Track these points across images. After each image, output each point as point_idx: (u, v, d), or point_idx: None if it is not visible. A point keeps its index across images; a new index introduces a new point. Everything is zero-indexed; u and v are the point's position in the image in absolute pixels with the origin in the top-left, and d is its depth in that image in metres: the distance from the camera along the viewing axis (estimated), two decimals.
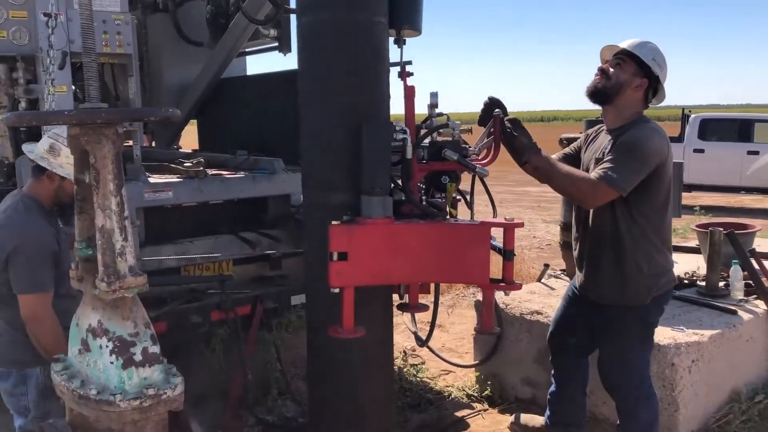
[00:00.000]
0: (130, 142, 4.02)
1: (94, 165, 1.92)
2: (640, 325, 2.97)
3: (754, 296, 4.14)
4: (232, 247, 4.08)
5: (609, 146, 2.88)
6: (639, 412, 3.01)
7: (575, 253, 3.16)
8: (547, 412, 3.45)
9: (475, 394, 4.22)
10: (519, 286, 2.58)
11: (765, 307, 4.00)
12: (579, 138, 3.30)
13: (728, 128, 13.08)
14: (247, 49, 5.43)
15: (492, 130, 2.90)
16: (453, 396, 4.25)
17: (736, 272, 4.12)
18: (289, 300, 4.14)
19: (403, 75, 2.84)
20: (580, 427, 3.39)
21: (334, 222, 2.47)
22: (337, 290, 2.50)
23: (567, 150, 3.31)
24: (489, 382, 4.18)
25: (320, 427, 2.94)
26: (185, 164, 4.13)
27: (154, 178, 3.89)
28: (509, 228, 2.56)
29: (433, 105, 2.90)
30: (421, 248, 2.56)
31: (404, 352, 4.93)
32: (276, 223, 4.34)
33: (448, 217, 2.71)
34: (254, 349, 4.01)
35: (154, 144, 6.03)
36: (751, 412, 3.63)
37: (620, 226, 2.89)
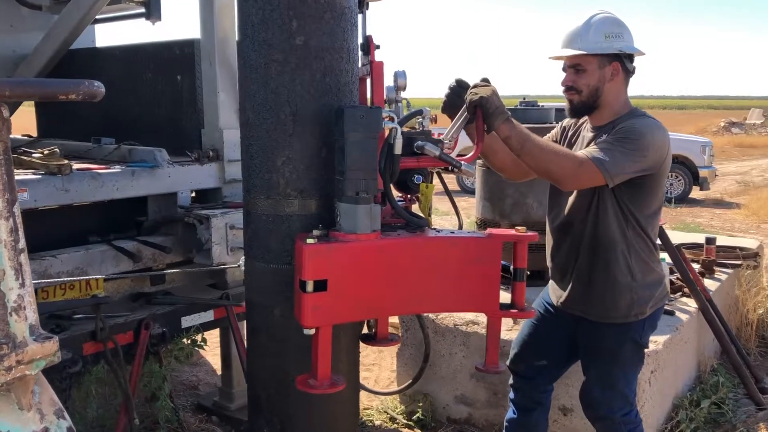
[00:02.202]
0: None
1: None
2: (633, 345, 2.60)
3: (680, 293, 4.01)
4: (107, 260, 3.23)
5: (600, 140, 2.48)
6: None
7: (550, 263, 2.73)
8: None
9: (401, 417, 3.72)
10: (533, 312, 2.10)
11: (695, 306, 3.86)
12: (552, 131, 2.86)
13: None
14: (103, 16, 4.46)
15: (465, 116, 2.40)
16: (374, 422, 3.72)
17: (664, 269, 3.94)
18: (180, 322, 3.39)
19: (371, 47, 2.24)
20: None
21: (308, 240, 1.83)
22: (312, 331, 1.87)
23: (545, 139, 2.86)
24: (420, 403, 3.69)
25: None
26: (34, 155, 3.21)
27: None
28: (522, 241, 2.06)
29: (400, 87, 2.34)
30: (418, 270, 1.99)
31: None
32: (159, 229, 3.53)
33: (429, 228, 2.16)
34: (139, 385, 3.23)
35: None
36: (698, 419, 3.46)
37: (613, 229, 2.50)
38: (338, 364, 2.03)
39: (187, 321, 3.40)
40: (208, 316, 3.51)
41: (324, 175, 2.03)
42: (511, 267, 2.08)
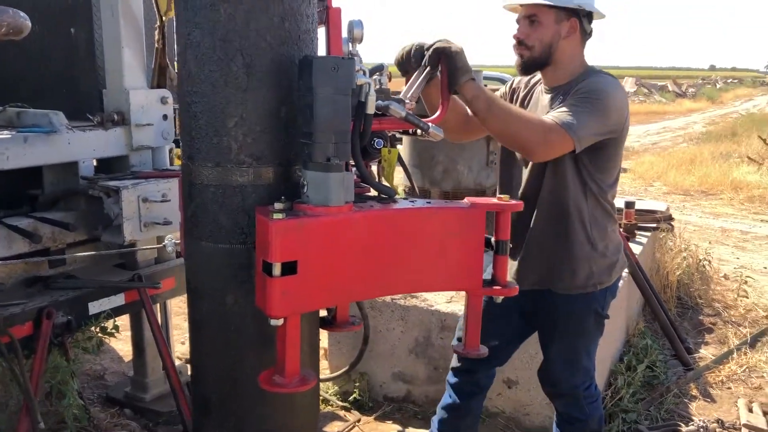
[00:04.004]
0: None
1: None
2: (595, 316, 2.49)
3: None
4: None
5: (560, 102, 2.31)
6: (589, 420, 2.57)
7: None
8: (437, 427, 2.78)
9: (335, 399, 3.50)
10: (516, 289, 1.91)
11: (625, 270, 3.86)
12: (498, 91, 2.66)
13: None
14: None
15: (426, 72, 2.18)
16: None
17: None
18: (87, 308, 2.99)
19: None
20: None
21: (275, 215, 1.55)
22: (279, 322, 1.60)
23: None
24: (356, 383, 3.48)
25: None
26: None
27: None
28: (505, 210, 1.86)
29: (356, 39, 2.06)
30: (395, 246, 1.75)
31: None
32: (58, 203, 3.09)
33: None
34: (42, 383, 2.83)
35: None
36: (635, 384, 3.46)
37: (572, 197, 2.36)
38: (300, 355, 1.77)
39: (95, 307, 3.01)
40: (119, 300, 3.13)
41: (283, 138, 1.74)
42: (492, 239, 1.88)
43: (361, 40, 2.09)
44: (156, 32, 3.27)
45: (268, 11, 1.66)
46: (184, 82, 1.76)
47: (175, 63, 3.50)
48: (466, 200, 1.88)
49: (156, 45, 3.29)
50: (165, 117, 3.36)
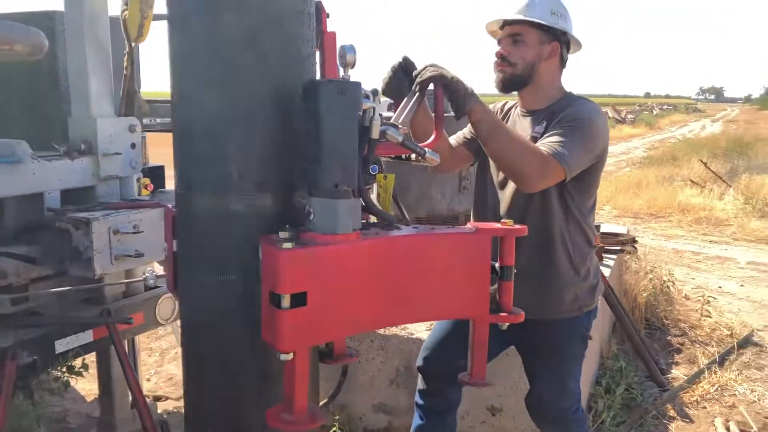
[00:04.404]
0: None
1: None
2: (580, 339, 2.50)
3: None
4: None
5: (543, 127, 2.33)
6: None
7: None
8: None
9: None
10: (522, 315, 1.88)
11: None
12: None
13: None
14: None
15: (416, 97, 2.16)
16: None
17: None
18: (53, 346, 2.85)
19: (322, 14, 1.92)
20: None
21: (284, 244, 1.49)
22: (289, 356, 1.53)
23: (465, 132, 2.66)
24: (336, 416, 3.38)
25: None
26: None
27: None
28: (509, 235, 1.84)
29: (348, 64, 2.04)
30: (402, 274, 1.70)
31: None
32: (22, 237, 2.94)
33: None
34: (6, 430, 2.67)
35: None
36: (615, 406, 3.47)
37: (556, 223, 2.37)
38: None
39: (61, 345, 2.88)
40: (87, 337, 3.00)
41: (284, 164, 1.68)
42: (497, 265, 1.85)
43: (353, 65, 2.06)
44: (125, 59, 3.17)
45: (270, 35, 1.61)
46: (179, 108, 1.69)
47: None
48: (470, 225, 1.85)
49: (125, 71, 3.19)
50: (133, 145, 3.24)
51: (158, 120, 4.12)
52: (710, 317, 5.10)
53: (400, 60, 2.23)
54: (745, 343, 4.70)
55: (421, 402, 2.68)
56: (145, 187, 3.58)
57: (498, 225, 1.84)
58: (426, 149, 1.98)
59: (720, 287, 6.45)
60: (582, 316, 2.45)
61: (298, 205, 1.72)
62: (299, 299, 1.51)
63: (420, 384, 2.69)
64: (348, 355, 2.01)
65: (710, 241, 9.06)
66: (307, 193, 1.62)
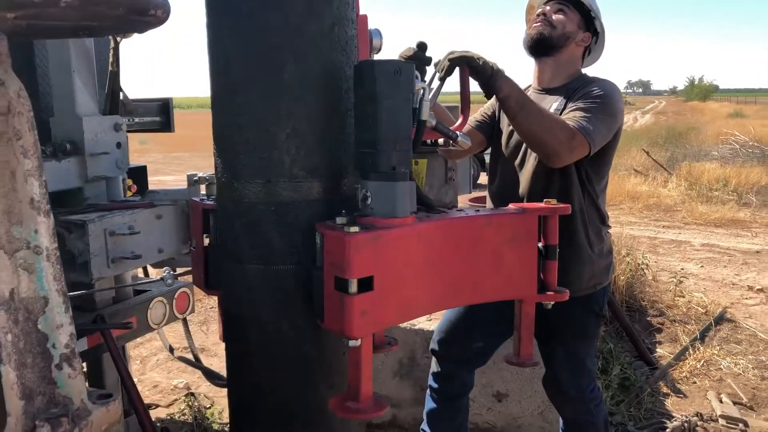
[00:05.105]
0: None
1: None
2: (595, 317, 2.52)
3: None
4: None
5: (561, 104, 2.36)
6: (597, 422, 2.57)
7: None
8: None
9: None
10: (567, 294, 1.88)
11: None
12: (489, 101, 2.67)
13: None
14: None
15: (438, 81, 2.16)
16: None
17: None
18: None
19: None
20: None
21: (351, 228, 1.45)
22: (358, 342, 1.50)
23: (477, 116, 2.67)
24: None
25: None
26: None
27: None
28: (554, 214, 1.84)
29: (375, 48, 2.03)
30: (455, 256, 1.69)
31: (191, 393, 3.74)
32: None
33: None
34: None
35: None
36: (612, 387, 3.53)
37: (575, 199, 2.39)
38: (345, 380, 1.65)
39: None
40: (81, 345, 2.86)
41: (334, 148, 1.64)
42: (540, 244, 1.85)
43: (379, 50, 2.05)
44: (110, 55, 3.05)
45: (320, 17, 1.57)
46: (222, 94, 1.63)
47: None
48: (512, 206, 1.85)
49: (110, 68, 3.07)
50: (119, 145, 3.13)
51: (136, 120, 3.99)
52: (683, 297, 5.27)
53: (415, 47, 2.21)
54: (720, 319, 4.86)
55: (435, 385, 2.67)
56: (129, 188, 3.46)
57: (542, 204, 1.84)
58: (457, 132, 1.97)
59: (682, 269, 6.66)
60: (597, 293, 2.47)
61: (348, 190, 1.68)
62: (366, 284, 1.48)
63: (434, 367, 2.69)
64: (387, 344, 1.99)
65: (663, 226, 9.34)
66: (361, 177, 1.58)
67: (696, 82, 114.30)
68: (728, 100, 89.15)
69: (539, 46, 2.43)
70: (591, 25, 2.45)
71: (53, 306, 0.78)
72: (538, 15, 2.43)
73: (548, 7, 2.42)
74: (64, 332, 0.79)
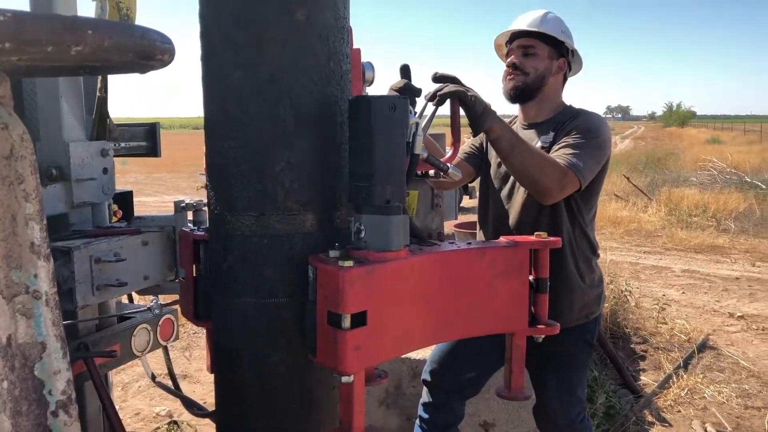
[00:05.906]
0: None
1: None
2: (587, 346, 2.54)
3: None
4: None
5: (550, 137, 2.38)
6: None
7: None
8: None
9: None
10: (558, 327, 1.89)
11: None
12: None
13: None
14: None
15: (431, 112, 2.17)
16: None
17: None
18: None
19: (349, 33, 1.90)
20: None
21: (343, 263, 1.45)
22: (351, 379, 1.49)
23: (465, 147, 2.69)
24: None
25: None
26: None
27: None
28: (545, 248, 1.85)
29: (367, 81, 2.04)
30: (447, 290, 1.69)
31: (174, 421, 3.69)
32: None
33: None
34: None
35: None
36: (598, 415, 3.53)
37: (564, 230, 2.41)
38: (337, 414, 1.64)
39: None
40: None
41: (326, 182, 1.65)
42: (531, 278, 1.86)
43: (371, 82, 2.06)
44: (98, 80, 3.04)
45: (314, 51, 1.58)
46: (216, 127, 1.63)
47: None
48: (503, 239, 1.86)
49: (98, 93, 3.05)
50: (105, 170, 3.11)
51: (122, 144, 3.97)
52: (666, 324, 5.30)
53: (404, 82, 2.21)
54: (702, 347, 4.90)
55: (425, 416, 2.68)
56: (114, 213, 3.43)
57: (534, 238, 1.85)
58: (448, 165, 1.98)
59: (664, 295, 6.72)
60: (589, 323, 2.50)
61: (339, 223, 1.68)
62: (359, 319, 1.47)
63: (425, 397, 2.69)
64: (377, 377, 1.98)
65: (644, 252, 9.43)
66: (354, 210, 1.59)
67: (674, 108, 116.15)
68: (705, 126, 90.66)
69: (519, 98, 2.47)
70: (562, 47, 2.47)
71: (51, 352, 0.77)
72: (508, 66, 2.45)
73: (514, 55, 2.45)
74: (61, 378, 0.78)
